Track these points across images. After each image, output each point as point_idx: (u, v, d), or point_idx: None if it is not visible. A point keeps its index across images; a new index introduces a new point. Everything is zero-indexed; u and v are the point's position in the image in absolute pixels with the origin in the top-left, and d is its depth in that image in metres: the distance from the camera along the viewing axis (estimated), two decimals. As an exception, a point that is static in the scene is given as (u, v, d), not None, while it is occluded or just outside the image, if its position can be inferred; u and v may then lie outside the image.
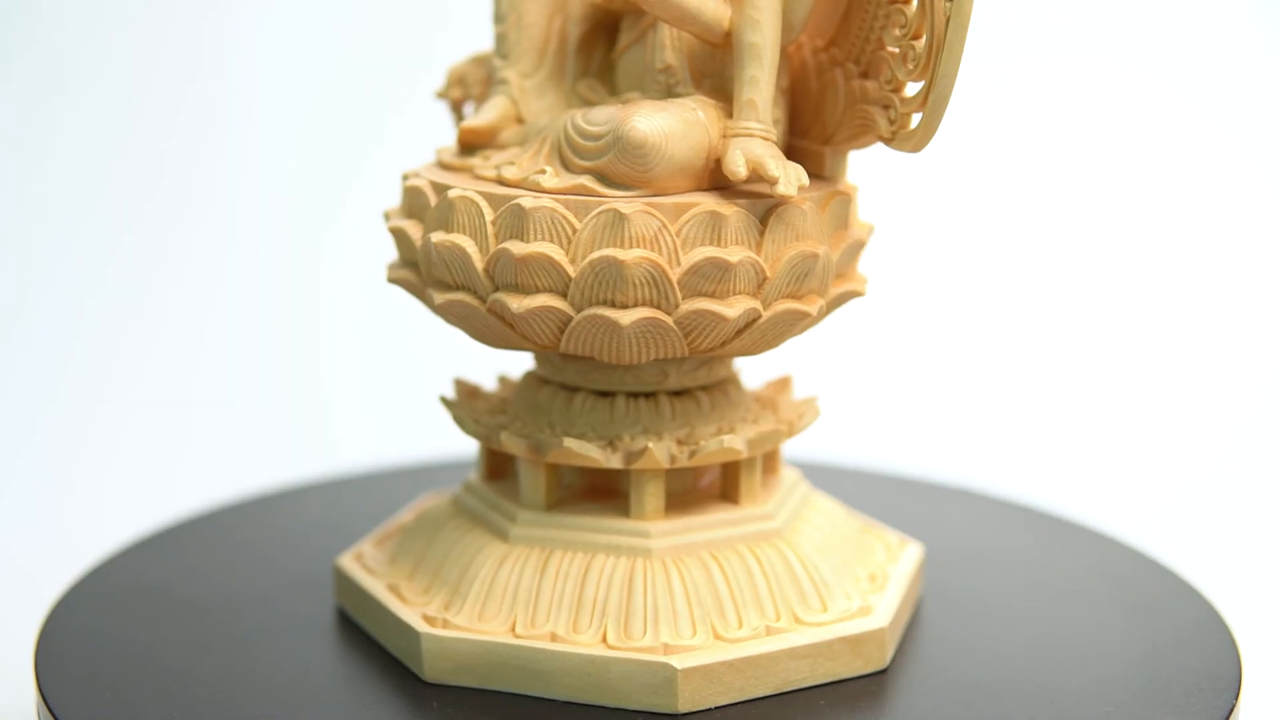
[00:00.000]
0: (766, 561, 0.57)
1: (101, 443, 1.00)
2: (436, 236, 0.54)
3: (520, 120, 0.59)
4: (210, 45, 1.11)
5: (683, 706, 0.53)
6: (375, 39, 1.11)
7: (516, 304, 0.53)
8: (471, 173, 0.57)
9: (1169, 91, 1.10)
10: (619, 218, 0.52)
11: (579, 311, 0.53)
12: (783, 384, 0.64)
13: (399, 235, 0.56)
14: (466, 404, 0.62)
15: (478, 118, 0.58)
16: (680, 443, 0.57)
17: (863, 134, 0.57)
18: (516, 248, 0.52)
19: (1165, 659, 0.58)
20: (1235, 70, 1.08)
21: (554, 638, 0.55)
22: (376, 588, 0.59)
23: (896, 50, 0.55)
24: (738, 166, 0.53)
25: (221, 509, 0.75)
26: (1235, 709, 0.55)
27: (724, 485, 0.60)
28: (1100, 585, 0.66)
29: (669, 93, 0.57)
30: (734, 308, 0.53)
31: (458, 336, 0.59)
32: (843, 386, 0.86)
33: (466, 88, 0.63)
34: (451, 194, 0.54)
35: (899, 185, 0.82)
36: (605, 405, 0.58)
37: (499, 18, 0.60)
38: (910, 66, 0.55)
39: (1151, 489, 0.96)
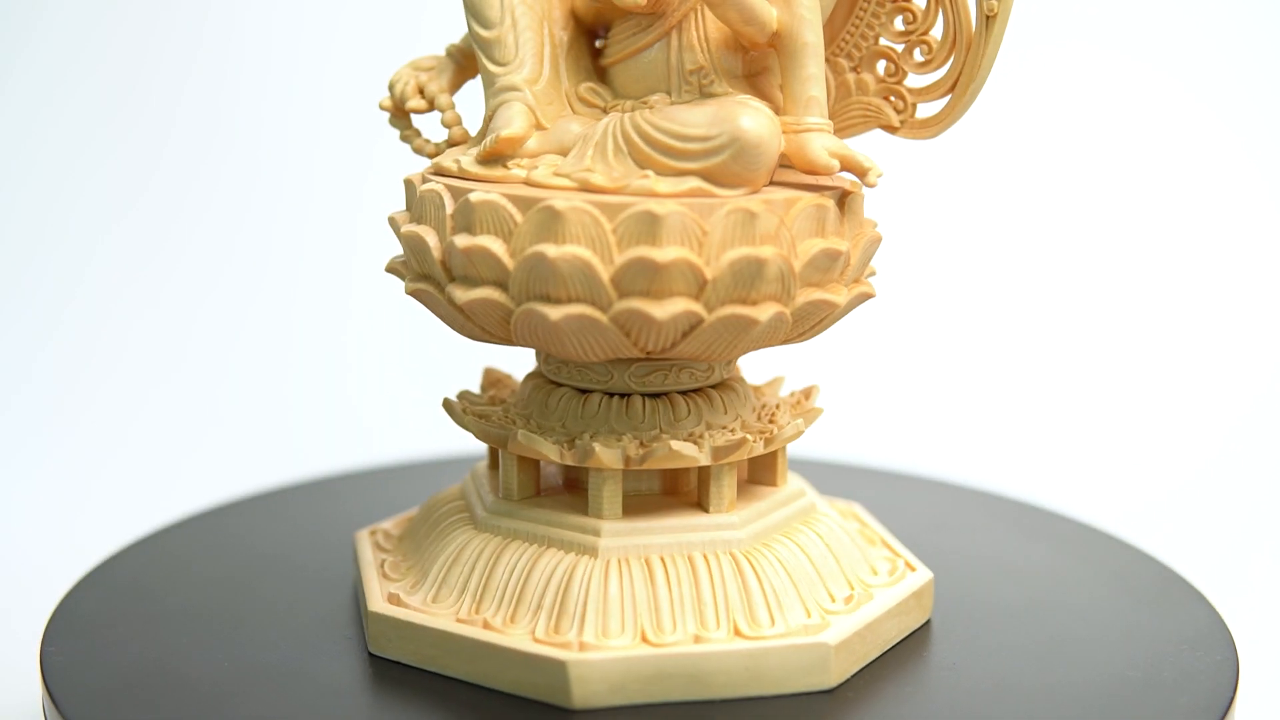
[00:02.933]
0: (824, 535, 0.60)
1: (105, 442, 1.01)
2: (552, 251, 0.52)
3: (539, 126, 0.57)
4: (229, 47, 1.14)
5: (834, 681, 0.55)
6: (387, 40, 1.05)
7: (660, 311, 0.52)
8: (526, 181, 0.55)
9: (1168, 93, 1.12)
10: (749, 216, 0.53)
11: (711, 312, 0.53)
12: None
13: (476, 253, 0.53)
14: (479, 419, 0.59)
15: (513, 127, 0.56)
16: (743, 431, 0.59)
17: (861, 125, 0.61)
18: (659, 254, 0.51)
19: (1163, 658, 0.59)
20: (1240, 71, 1.10)
21: (697, 640, 0.55)
22: (456, 627, 0.56)
23: (900, 46, 0.60)
24: (830, 160, 0.55)
25: (226, 507, 0.75)
26: (1232, 708, 0.55)
27: (754, 470, 0.62)
28: (1100, 584, 0.66)
29: (702, 93, 0.57)
30: (840, 295, 0.56)
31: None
32: (841, 384, 0.87)
33: (430, 97, 0.60)
34: (558, 205, 0.52)
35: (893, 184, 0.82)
36: (665, 406, 0.58)
37: (488, 23, 0.58)
38: (921, 59, 0.59)
39: (1152, 488, 0.96)
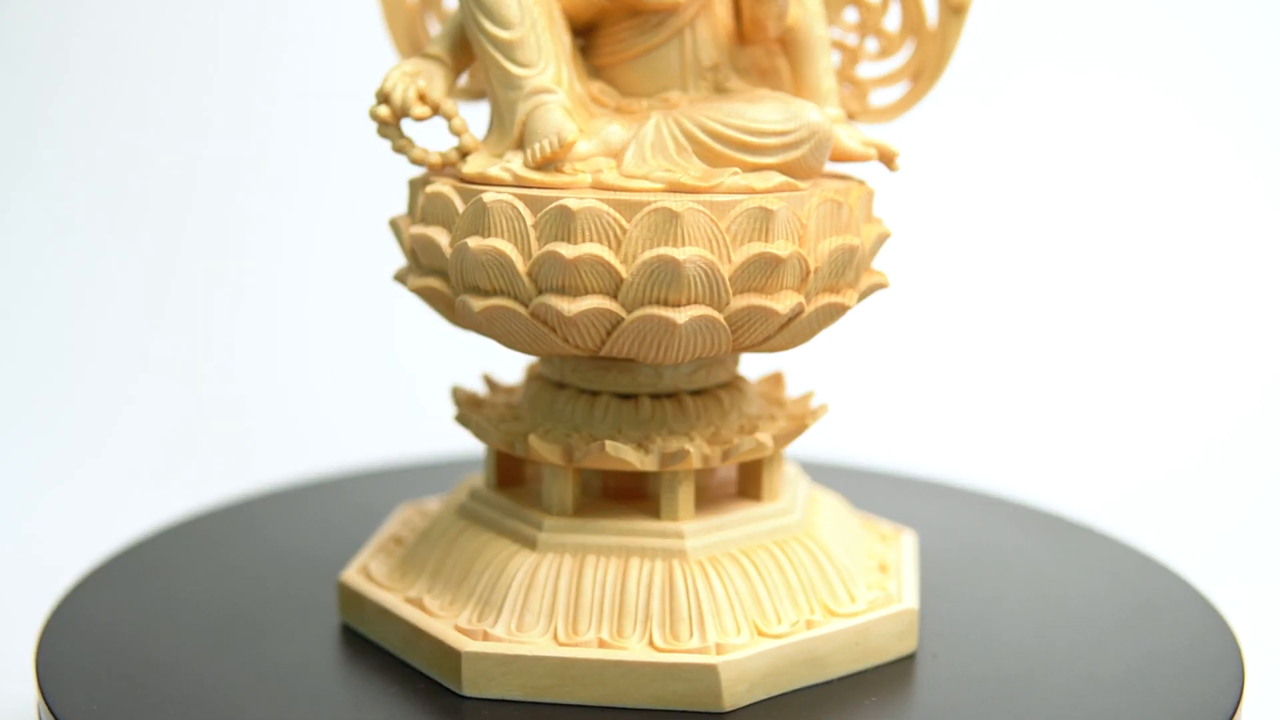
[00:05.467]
0: (836, 511, 0.63)
1: (104, 443, 1.00)
2: (681, 254, 0.51)
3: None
4: (228, 45, 1.12)
5: (915, 645, 0.58)
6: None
7: (780, 305, 0.53)
8: (597, 185, 0.53)
9: (1162, 95, 1.11)
10: (836, 206, 0.54)
11: (810, 303, 0.54)
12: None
13: (585, 263, 0.51)
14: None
15: (571, 130, 0.54)
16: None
17: (818, 114, 0.63)
18: (779, 250, 0.52)
19: (1165, 659, 0.58)
20: (1232, 73, 1.09)
21: (809, 625, 0.56)
22: (579, 651, 0.53)
23: (852, 37, 0.63)
24: (867, 149, 0.58)
25: (223, 509, 0.75)
26: (1238, 710, 0.54)
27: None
28: (1100, 584, 0.66)
29: (718, 88, 0.58)
30: (886, 278, 0.58)
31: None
32: (841, 383, 0.84)
33: (434, 103, 0.56)
34: (674, 207, 0.51)
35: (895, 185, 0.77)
36: (712, 403, 0.58)
37: (508, 23, 0.55)
38: (880, 48, 0.62)
39: (1152, 488, 0.94)
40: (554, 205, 0.52)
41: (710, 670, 0.53)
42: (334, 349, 1.10)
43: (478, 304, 0.54)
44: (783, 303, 0.53)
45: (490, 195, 0.53)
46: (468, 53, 0.58)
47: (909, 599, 0.58)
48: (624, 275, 0.52)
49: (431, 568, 0.59)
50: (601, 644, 0.54)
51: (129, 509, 0.89)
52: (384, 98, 0.56)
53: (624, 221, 0.52)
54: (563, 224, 0.52)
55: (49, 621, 0.61)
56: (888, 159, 0.59)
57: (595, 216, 0.52)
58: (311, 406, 1.06)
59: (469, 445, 0.89)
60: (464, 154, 0.57)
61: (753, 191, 0.53)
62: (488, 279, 0.53)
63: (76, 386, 1.05)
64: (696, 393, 0.59)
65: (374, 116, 0.56)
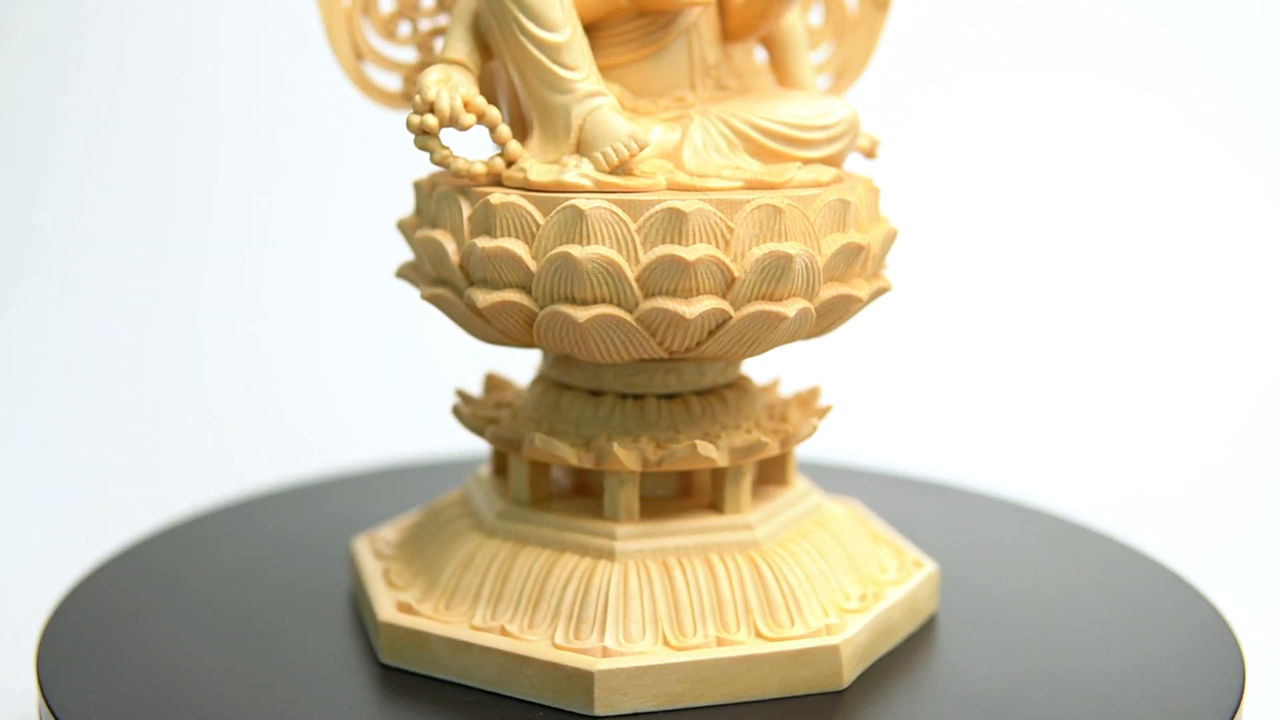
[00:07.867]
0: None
1: (104, 443, 0.98)
2: (793, 249, 0.52)
3: (624, 130, 0.55)
4: (230, 45, 1.11)
5: (938, 605, 0.62)
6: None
7: (863, 291, 0.55)
8: (674, 186, 0.53)
9: (1162, 98, 1.10)
10: (875, 194, 0.57)
11: (871, 284, 0.57)
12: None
13: (704, 264, 0.51)
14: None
15: (643, 135, 0.53)
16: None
17: (758, 107, 0.65)
18: (860, 239, 0.54)
19: (1165, 659, 0.58)
20: (1227, 77, 1.09)
21: (877, 597, 0.58)
22: (705, 653, 0.53)
23: (786, 31, 0.65)
24: (866, 141, 0.60)
25: (223, 509, 0.75)
26: (1238, 710, 0.54)
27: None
28: (1103, 587, 0.65)
29: (720, 86, 0.59)
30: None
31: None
32: (840, 385, 0.79)
33: (479, 111, 0.54)
34: (777, 203, 0.52)
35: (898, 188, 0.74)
36: (743, 396, 0.59)
37: (554, 26, 0.54)
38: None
39: (1152, 489, 0.93)
40: (662, 208, 0.51)
41: (833, 651, 0.54)
42: (333, 351, 1.07)
43: (582, 314, 0.52)
44: (861, 289, 0.55)
45: (584, 202, 0.51)
46: (486, 54, 0.56)
47: (928, 562, 0.62)
48: (736, 274, 0.52)
49: (488, 594, 0.56)
50: (720, 642, 0.54)
51: (129, 509, 0.87)
52: (429, 107, 0.53)
53: (729, 220, 0.52)
54: (673, 227, 0.51)
55: (49, 622, 0.61)
56: (870, 148, 0.62)
57: (704, 218, 0.52)
58: (311, 407, 1.04)
59: (447, 447, 0.89)
60: (509, 162, 0.54)
61: (821, 185, 0.55)
62: (590, 288, 0.52)
63: (78, 385, 1.03)
64: (728, 387, 0.60)
65: (420, 128, 0.53)
